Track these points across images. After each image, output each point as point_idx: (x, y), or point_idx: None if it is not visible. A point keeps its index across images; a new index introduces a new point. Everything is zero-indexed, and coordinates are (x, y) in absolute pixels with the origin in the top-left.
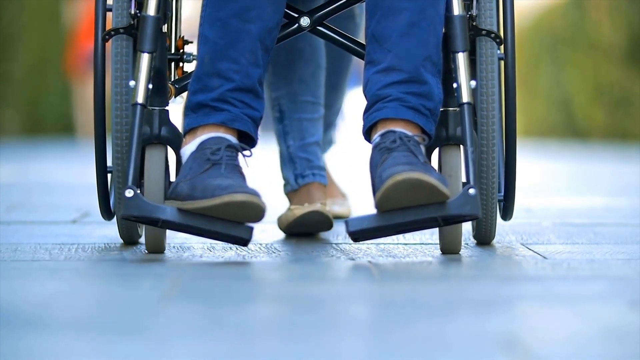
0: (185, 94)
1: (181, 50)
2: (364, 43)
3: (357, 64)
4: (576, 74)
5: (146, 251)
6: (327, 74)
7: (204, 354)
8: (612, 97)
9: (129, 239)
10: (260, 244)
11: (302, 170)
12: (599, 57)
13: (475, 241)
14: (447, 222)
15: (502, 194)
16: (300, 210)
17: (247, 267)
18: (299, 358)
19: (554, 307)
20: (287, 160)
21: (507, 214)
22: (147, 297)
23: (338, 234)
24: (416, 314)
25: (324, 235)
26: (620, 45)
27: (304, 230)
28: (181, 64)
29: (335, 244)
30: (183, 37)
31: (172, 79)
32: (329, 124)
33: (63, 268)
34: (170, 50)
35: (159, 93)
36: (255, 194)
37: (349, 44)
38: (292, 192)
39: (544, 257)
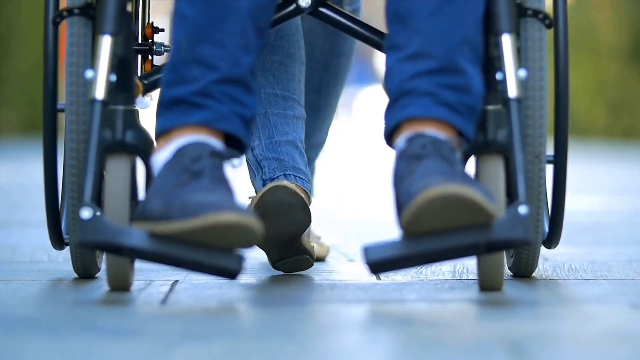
0: (155, 93)
1: (150, 40)
2: (377, 28)
3: (358, 59)
4: (577, 73)
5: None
6: (306, 90)
7: (204, 355)
8: (613, 96)
9: (85, 272)
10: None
11: (272, 172)
12: (599, 57)
13: (511, 274)
14: (490, 250)
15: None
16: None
17: (242, 270)
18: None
19: (555, 309)
20: (255, 168)
21: (553, 240)
22: (147, 298)
23: (336, 234)
24: (415, 315)
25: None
26: (621, 45)
27: (271, 218)
28: (150, 56)
29: (335, 245)
30: (152, 23)
31: (140, 74)
32: (308, 159)
33: (62, 270)
34: (137, 39)
35: (123, 88)
36: (247, 212)
37: (358, 29)
38: None
39: (545, 259)
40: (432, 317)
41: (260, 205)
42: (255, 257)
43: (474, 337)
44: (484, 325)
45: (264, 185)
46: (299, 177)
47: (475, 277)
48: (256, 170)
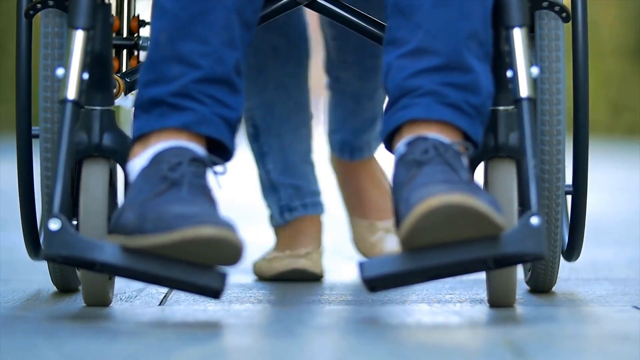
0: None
1: (135, 34)
2: (381, 22)
3: None
4: None
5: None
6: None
7: (204, 356)
8: (615, 95)
9: (64, 286)
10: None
11: (289, 200)
12: (602, 55)
13: (528, 288)
14: (499, 265)
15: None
16: (280, 264)
17: (239, 273)
18: None
19: (556, 310)
20: (269, 188)
21: (573, 251)
22: (145, 299)
23: (333, 233)
24: (415, 316)
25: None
26: (624, 43)
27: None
28: (135, 52)
29: (335, 245)
30: (138, 16)
31: (123, 71)
32: (373, 118)
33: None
34: (122, 33)
35: (100, 87)
36: (228, 226)
37: (358, 21)
38: (278, 227)
39: None
40: (432, 318)
41: (277, 278)
42: (254, 257)
43: (474, 337)
44: (485, 325)
45: (281, 212)
46: (317, 205)
47: (475, 276)
48: (270, 191)
